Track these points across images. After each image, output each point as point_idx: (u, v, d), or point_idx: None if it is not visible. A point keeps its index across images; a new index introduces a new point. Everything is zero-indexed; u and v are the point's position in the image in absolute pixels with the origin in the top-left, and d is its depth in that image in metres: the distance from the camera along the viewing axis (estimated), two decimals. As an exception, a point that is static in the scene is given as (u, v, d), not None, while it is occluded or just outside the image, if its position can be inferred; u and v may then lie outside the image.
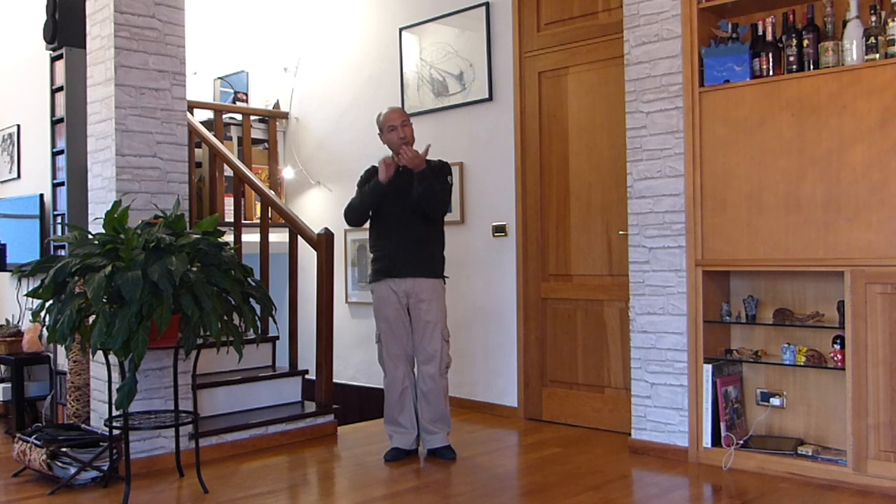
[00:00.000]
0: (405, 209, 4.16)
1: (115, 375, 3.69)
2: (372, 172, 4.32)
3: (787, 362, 3.88)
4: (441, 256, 4.29)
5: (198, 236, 3.64)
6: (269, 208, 5.24)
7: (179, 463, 4.00)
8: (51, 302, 3.51)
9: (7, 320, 5.80)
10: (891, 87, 3.52)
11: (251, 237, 5.34)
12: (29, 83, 5.97)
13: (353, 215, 4.28)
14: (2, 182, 6.45)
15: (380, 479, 3.97)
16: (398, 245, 4.17)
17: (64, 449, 3.89)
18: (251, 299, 3.76)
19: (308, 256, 5.29)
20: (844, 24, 3.67)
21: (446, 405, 4.23)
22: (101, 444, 3.95)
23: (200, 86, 7.11)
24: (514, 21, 5.24)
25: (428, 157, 4.16)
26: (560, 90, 5.05)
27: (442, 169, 4.28)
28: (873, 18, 3.60)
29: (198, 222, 3.97)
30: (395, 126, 4.20)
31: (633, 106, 4.32)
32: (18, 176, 6.25)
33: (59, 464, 3.84)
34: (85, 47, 4.39)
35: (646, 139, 4.26)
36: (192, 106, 5.66)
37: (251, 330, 3.86)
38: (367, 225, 4.40)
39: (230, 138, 6.37)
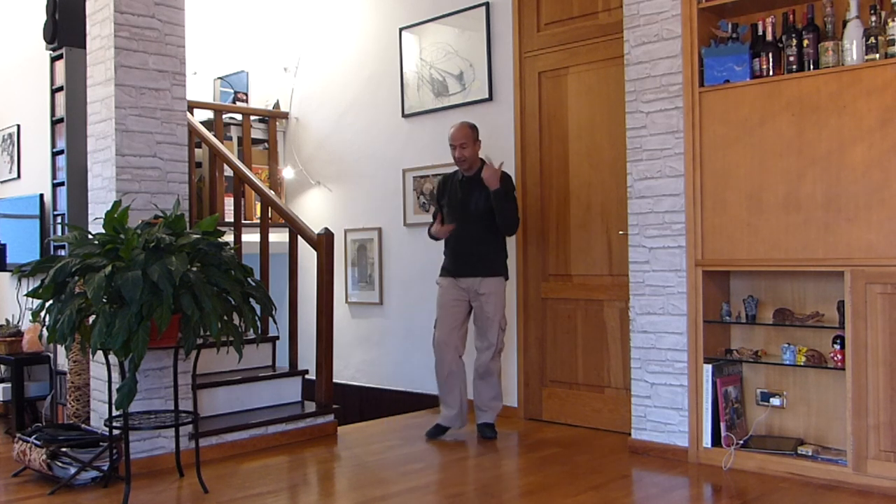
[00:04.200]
0: (466, 215, 4.59)
1: (115, 375, 3.69)
2: (442, 183, 4.80)
3: (787, 362, 3.88)
4: (499, 256, 4.65)
5: (198, 236, 3.64)
6: (269, 208, 5.24)
7: (179, 463, 4.00)
8: (51, 302, 3.51)
9: (7, 320, 5.80)
10: (891, 87, 3.52)
11: (251, 237, 5.34)
12: (29, 83, 5.98)
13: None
14: (2, 182, 6.46)
15: (380, 479, 3.97)
16: (459, 248, 4.62)
17: (64, 449, 3.89)
18: (251, 299, 3.76)
19: (308, 256, 5.29)
20: (844, 24, 3.67)
21: (499, 384, 4.69)
22: (101, 444, 3.95)
23: (200, 86, 7.11)
24: (514, 21, 5.24)
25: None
26: (560, 90, 5.05)
27: (509, 184, 4.59)
28: (873, 18, 3.59)
29: (198, 222, 3.97)
30: (455, 146, 4.62)
31: (633, 106, 4.32)
32: (18, 176, 6.26)
33: (59, 464, 3.84)
34: (85, 47, 4.39)
35: (646, 139, 4.26)
36: (192, 106, 5.66)
37: (251, 330, 3.86)
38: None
39: (230, 138, 6.37)
